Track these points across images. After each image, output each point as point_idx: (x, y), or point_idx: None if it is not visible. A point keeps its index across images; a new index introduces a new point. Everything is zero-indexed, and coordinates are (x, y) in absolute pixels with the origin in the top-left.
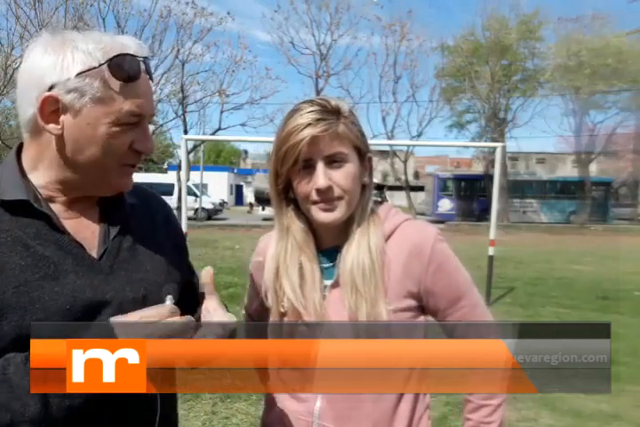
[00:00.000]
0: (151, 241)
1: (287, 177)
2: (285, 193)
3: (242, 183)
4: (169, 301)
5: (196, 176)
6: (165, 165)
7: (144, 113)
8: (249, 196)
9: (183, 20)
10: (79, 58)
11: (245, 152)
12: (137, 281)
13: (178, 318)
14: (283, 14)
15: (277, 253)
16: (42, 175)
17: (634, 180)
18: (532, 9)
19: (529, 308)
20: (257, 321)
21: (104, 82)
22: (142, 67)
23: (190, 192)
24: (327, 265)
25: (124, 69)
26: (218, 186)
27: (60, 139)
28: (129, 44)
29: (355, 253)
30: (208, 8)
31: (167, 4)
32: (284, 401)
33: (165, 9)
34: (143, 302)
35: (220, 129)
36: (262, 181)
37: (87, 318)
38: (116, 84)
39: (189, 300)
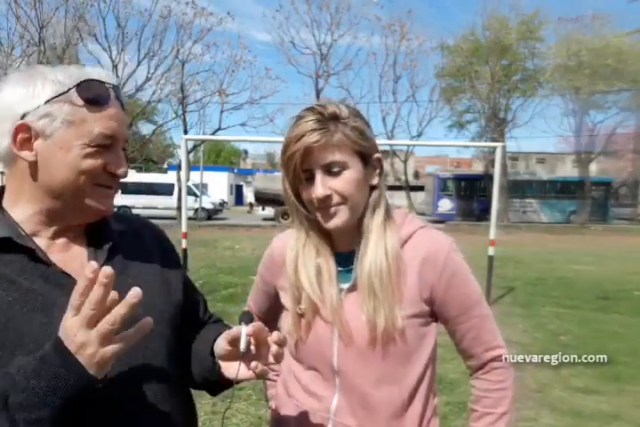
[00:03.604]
0: (142, 265)
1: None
2: (298, 197)
3: (242, 183)
4: None
5: (196, 176)
6: (165, 165)
7: (116, 136)
8: (249, 196)
9: (183, 20)
10: (49, 86)
11: (245, 152)
12: None
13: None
14: (283, 14)
15: (295, 253)
16: (23, 210)
17: (634, 180)
18: (532, 9)
19: (529, 308)
20: (258, 315)
21: (73, 105)
22: (112, 93)
23: (190, 192)
24: (342, 269)
25: (92, 92)
26: (218, 186)
27: (34, 166)
28: (97, 72)
29: (372, 257)
30: (207, 8)
31: (167, 4)
32: (300, 398)
33: (166, 9)
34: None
35: (219, 129)
36: (262, 181)
37: None
38: (86, 106)
39: (192, 319)
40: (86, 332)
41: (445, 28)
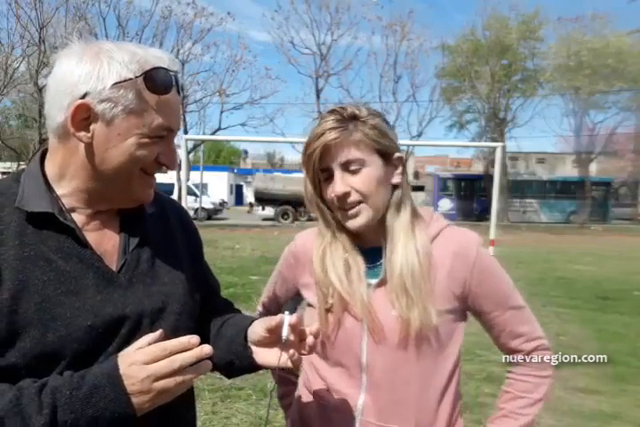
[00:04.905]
0: (169, 250)
1: (318, 184)
2: (321, 197)
3: (242, 183)
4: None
5: (196, 176)
6: None
7: (173, 128)
8: (249, 196)
9: (183, 21)
10: (115, 68)
11: (245, 152)
12: (155, 294)
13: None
14: (283, 14)
15: (323, 251)
16: (67, 184)
17: (634, 180)
18: (532, 9)
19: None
20: (269, 310)
21: (138, 94)
22: (174, 81)
23: (190, 192)
24: (369, 265)
25: (159, 83)
26: (218, 186)
27: (88, 147)
28: (163, 57)
29: (402, 254)
30: (207, 8)
31: (168, 5)
32: (325, 397)
33: (166, 9)
34: (160, 315)
35: (219, 129)
36: (262, 181)
37: (107, 334)
38: (150, 96)
39: (209, 304)
40: (151, 384)
41: (446, 27)
